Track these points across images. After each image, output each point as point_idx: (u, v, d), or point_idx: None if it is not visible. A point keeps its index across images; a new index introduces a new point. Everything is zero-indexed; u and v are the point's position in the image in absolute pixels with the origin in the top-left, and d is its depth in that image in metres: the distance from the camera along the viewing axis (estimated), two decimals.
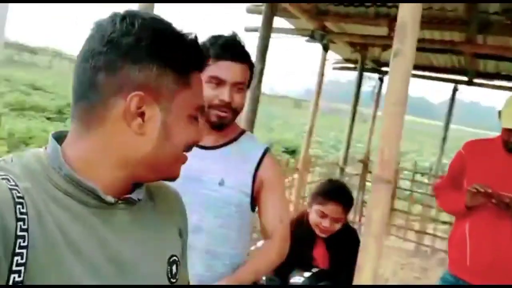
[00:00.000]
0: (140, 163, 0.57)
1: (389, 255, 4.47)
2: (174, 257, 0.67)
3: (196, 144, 0.62)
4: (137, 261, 0.59)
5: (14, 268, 0.46)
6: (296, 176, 3.28)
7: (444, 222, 4.73)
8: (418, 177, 5.01)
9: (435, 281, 3.77)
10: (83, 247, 0.53)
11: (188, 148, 0.61)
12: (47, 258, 0.49)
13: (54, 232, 0.50)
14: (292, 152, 9.14)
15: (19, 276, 0.46)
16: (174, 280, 0.66)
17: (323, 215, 1.69)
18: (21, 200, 0.48)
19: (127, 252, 0.58)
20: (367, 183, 5.08)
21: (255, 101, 2.46)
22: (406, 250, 4.66)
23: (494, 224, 1.61)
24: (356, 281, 1.08)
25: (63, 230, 0.51)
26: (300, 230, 1.74)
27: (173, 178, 0.62)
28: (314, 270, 1.69)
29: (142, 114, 0.55)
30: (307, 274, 1.66)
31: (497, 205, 1.56)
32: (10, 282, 0.46)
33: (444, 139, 4.91)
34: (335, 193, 1.75)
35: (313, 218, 1.72)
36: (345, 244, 1.72)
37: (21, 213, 0.48)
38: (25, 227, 0.47)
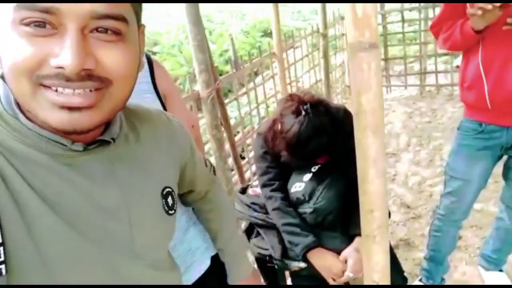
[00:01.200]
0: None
1: (394, 107, 4.29)
2: (168, 189, 0.64)
3: (58, 68, 0.44)
4: (124, 203, 0.56)
5: None
6: (274, 62, 2.89)
7: (445, 54, 4.41)
8: (406, 14, 4.53)
9: (445, 119, 3.72)
10: (58, 200, 0.49)
11: (40, 78, 0.44)
12: (22, 217, 0.45)
13: (22, 188, 0.47)
14: (271, 33, 8.46)
15: None
16: (172, 212, 0.64)
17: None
18: None
19: (110, 196, 0.54)
20: None
21: None
22: (410, 96, 4.46)
23: None
24: (363, 195, 0.83)
25: (32, 184, 0.47)
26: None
27: (60, 129, 0.47)
28: (314, 169, 1.44)
29: None
30: (306, 177, 1.42)
31: None
32: None
33: None
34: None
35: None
36: (338, 122, 1.44)
37: None
38: None
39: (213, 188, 0.94)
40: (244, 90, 2.61)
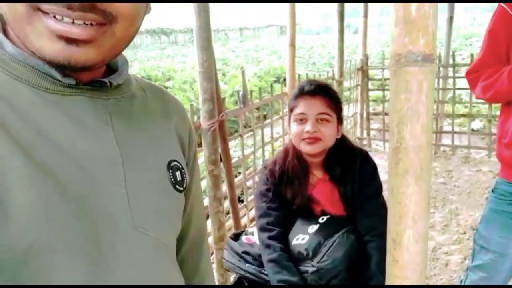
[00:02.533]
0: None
1: None
2: (175, 163, 0.57)
3: None
4: (124, 161, 0.48)
5: None
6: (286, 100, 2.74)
7: (462, 115, 4.26)
8: None
9: (462, 182, 3.51)
10: (34, 143, 0.42)
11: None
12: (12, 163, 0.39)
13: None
14: (284, 80, 8.52)
15: None
16: (181, 188, 0.57)
17: (302, 117, 1.19)
18: None
19: (106, 149, 0.47)
20: (370, 93, 4.59)
21: (206, 20, 1.86)
22: None
23: None
24: (392, 263, 0.60)
25: (7, 122, 0.41)
26: (285, 167, 1.26)
27: (54, 61, 0.42)
28: (322, 219, 1.22)
29: None
30: (312, 228, 1.19)
31: None
32: None
33: (451, 18, 4.25)
34: (310, 85, 1.24)
35: (294, 132, 1.22)
36: (352, 170, 1.24)
37: None
38: None
39: (206, 251, 0.72)
40: (250, 129, 2.44)
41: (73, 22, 0.41)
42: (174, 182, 0.56)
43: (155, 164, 0.54)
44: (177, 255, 0.69)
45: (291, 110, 1.26)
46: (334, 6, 3.31)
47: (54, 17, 0.41)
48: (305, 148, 1.20)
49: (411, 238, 0.58)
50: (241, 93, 2.19)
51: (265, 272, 1.21)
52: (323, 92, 1.23)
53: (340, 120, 1.26)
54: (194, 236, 0.67)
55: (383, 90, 4.47)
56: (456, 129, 4.27)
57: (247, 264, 1.25)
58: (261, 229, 1.22)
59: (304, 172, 1.25)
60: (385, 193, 1.31)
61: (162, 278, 0.52)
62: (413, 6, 0.50)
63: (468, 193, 3.23)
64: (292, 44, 2.56)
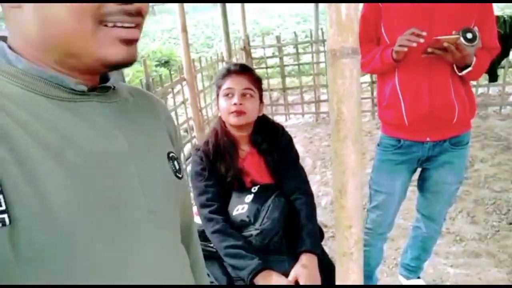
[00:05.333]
0: (49, 49, 0.48)
1: (294, 133, 4.51)
2: (172, 153, 0.64)
3: None
4: (131, 154, 0.54)
5: None
6: (185, 85, 2.80)
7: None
8: (300, 48, 4.90)
9: None
10: (60, 145, 0.46)
11: (103, 16, 0.47)
12: (21, 164, 0.43)
13: (18, 133, 0.44)
14: (166, 62, 8.32)
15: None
16: (180, 176, 0.64)
17: (229, 92, 1.35)
18: None
19: (116, 146, 0.53)
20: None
21: None
22: (307, 123, 4.76)
23: (427, 69, 1.42)
24: (340, 210, 0.78)
25: (30, 129, 0.45)
26: (218, 144, 1.38)
27: (119, 62, 0.50)
28: (254, 189, 1.38)
29: None
30: (248, 198, 1.34)
31: (432, 53, 1.36)
32: None
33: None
34: (235, 66, 1.42)
35: (222, 107, 1.37)
36: (276, 142, 1.43)
37: None
38: None
39: (194, 228, 0.80)
40: None
41: (127, 27, 0.49)
42: (174, 170, 0.63)
43: (158, 156, 0.61)
44: None
45: (219, 87, 1.38)
46: None
47: (114, 26, 0.48)
48: (232, 120, 1.33)
49: (352, 187, 0.77)
50: (144, 82, 2.18)
51: (211, 245, 1.32)
52: (247, 71, 1.39)
53: (261, 99, 1.42)
54: (185, 222, 0.75)
55: (266, 68, 4.79)
56: None
57: None
58: (202, 206, 1.32)
59: (234, 147, 1.38)
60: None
61: (175, 252, 0.61)
62: (343, 11, 0.66)
63: None
64: (184, 30, 2.60)
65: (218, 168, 1.36)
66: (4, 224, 0.41)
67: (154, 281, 0.54)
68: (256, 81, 1.40)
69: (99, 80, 0.57)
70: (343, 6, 0.66)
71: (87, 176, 0.48)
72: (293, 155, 1.46)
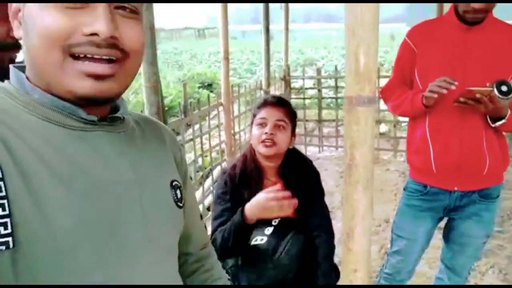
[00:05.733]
0: (36, 72, 0.51)
1: (326, 165, 4.47)
2: (176, 182, 0.65)
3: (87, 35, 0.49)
4: (136, 183, 0.56)
5: None
6: (221, 110, 2.89)
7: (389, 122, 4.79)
8: (340, 82, 4.92)
9: (374, 180, 3.97)
10: (71, 174, 0.48)
11: (70, 47, 0.48)
12: (30, 191, 0.44)
13: (30, 159, 0.46)
14: (209, 85, 8.60)
15: (4, 210, 0.42)
16: (181, 204, 0.65)
17: (263, 122, 1.39)
18: None
19: (123, 175, 0.55)
20: (292, 101, 4.93)
21: (152, 37, 1.94)
22: (340, 156, 4.70)
23: (459, 118, 1.41)
24: (347, 253, 0.79)
25: (43, 158, 0.47)
26: (245, 170, 1.42)
27: (86, 96, 0.50)
28: (274, 222, 1.39)
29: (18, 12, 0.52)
30: (268, 230, 1.36)
31: (464, 103, 1.35)
32: None
33: None
34: (272, 98, 1.48)
35: (254, 135, 1.40)
36: (303, 177, 1.44)
37: None
38: None
39: (212, 250, 0.83)
40: (190, 137, 2.54)
41: (97, 61, 0.49)
42: (176, 199, 0.64)
43: (161, 185, 0.62)
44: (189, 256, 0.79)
45: (254, 116, 1.44)
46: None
47: (84, 57, 0.48)
48: (262, 149, 1.37)
49: (360, 231, 0.78)
50: (182, 103, 2.29)
51: (227, 266, 1.34)
52: (283, 104, 1.44)
53: (293, 132, 1.46)
54: (199, 239, 0.78)
55: (304, 98, 4.84)
56: None
57: None
58: (214, 230, 1.36)
59: (260, 175, 1.42)
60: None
61: (171, 280, 0.63)
62: (362, 62, 0.69)
63: (380, 191, 3.68)
64: (226, 58, 2.72)
65: (242, 194, 1.38)
66: (8, 247, 0.42)
67: None
68: (291, 114, 1.44)
69: (110, 110, 0.59)
70: (362, 56, 0.69)
71: (91, 204, 0.49)
72: (319, 191, 1.47)
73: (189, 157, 2.63)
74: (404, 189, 1.64)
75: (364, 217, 0.77)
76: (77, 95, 0.50)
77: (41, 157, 0.47)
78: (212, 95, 4.87)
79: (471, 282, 2.19)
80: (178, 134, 4.25)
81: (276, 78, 4.41)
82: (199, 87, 8.23)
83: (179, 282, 0.66)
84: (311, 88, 5.16)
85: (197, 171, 2.76)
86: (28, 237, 0.43)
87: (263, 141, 1.36)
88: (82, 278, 0.48)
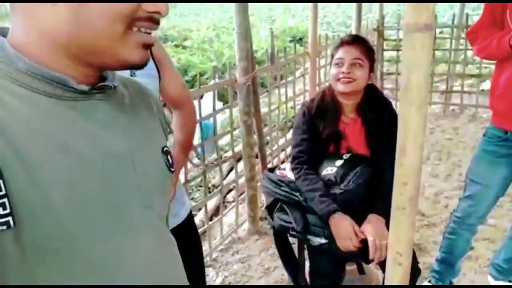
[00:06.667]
0: (72, 45, 0.49)
1: None
2: (166, 148, 0.66)
3: (153, 13, 0.51)
4: (130, 151, 0.56)
5: None
6: (308, 62, 2.99)
7: (472, 75, 4.45)
8: (439, 33, 4.59)
9: (467, 138, 3.76)
10: (63, 144, 0.47)
11: (133, 20, 0.49)
12: (24, 165, 0.44)
13: (23, 134, 0.45)
14: (300, 39, 8.57)
15: (0, 190, 0.42)
16: (172, 170, 0.66)
17: (340, 61, 1.47)
18: None
19: (116, 143, 0.54)
20: (385, 54, 4.76)
21: None
22: (433, 113, 4.49)
23: None
24: (399, 167, 0.90)
25: (34, 129, 0.46)
26: (322, 104, 1.54)
27: (136, 64, 0.53)
28: (345, 156, 1.52)
29: None
30: (338, 162, 1.49)
31: None
32: None
33: None
34: (348, 37, 1.54)
35: (332, 73, 1.50)
36: (381, 116, 1.51)
37: None
38: None
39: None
40: (276, 85, 2.71)
41: (149, 33, 0.53)
42: (168, 165, 0.64)
43: (153, 151, 0.62)
44: None
45: (332, 57, 1.52)
46: None
47: (138, 30, 0.51)
48: (340, 87, 1.46)
49: (412, 148, 0.89)
50: (269, 51, 2.45)
51: (296, 194, 1.51)
52: (359, 41, 1.49)
53: (372, 68, 1.51)
54: None
55: (397, 50, 4.62)
56: (467, 89, 4.47)
57: (280, 189, 1.57)
58: (293, 158, 1.51)
59: (336, 109, 1.52)
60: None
61: (167, 244, 0.65)
62: None
63: (472, 148, 3.49)
64: (315, 6, 2.76)
65: (317, 125, 1.51)
66: (9, 227, 0.43)
67: (148, 272, 0.57)
68: (368, 52, 1.49)
69: (98, 79, 0.57)
70: None
71: (86, 174, 0.49)
72: (394, 132, 1.53)
73: (275, 104, 2.80)
74: (484, 135, 1.62)
75: (416, 136, 0.88)
76: (129, 64, 0.52)
77: (32, 130, 0.46)
78: (300, 48, 4.92)
79: None
80: (263, 85, 4.37)
81: (369, 29, 4.28)
82: (290, 41, 8.25)
83: (173, 243, 0.67)
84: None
85: (281, 121, 2.93)
86: (27, 214, 0.44)
87: (339, 79, 1.46)
88: (83, 247, 0.49)
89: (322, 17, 14.14)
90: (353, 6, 3.74)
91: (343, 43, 1.49)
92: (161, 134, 0.68)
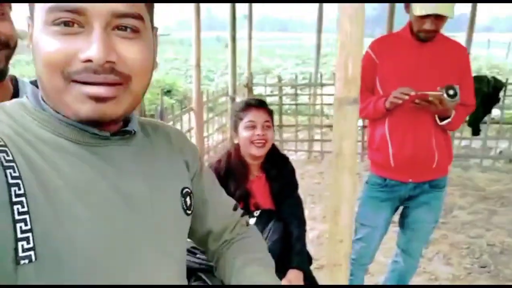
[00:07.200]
0: (43, 93, 0.53)
1: None
2: (187, 189, 0.66)
3: (84, 62, 0.49)
4: (149, 195, 0.58)
5: (17, 217, 0.44)
6: (192, 116, 3.01)
7: (328, 126, 5.11)
8: (298, 89, 5.19)
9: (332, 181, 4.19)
10: (88, 188, 0.50)
11: (69, 73, 0.49)
12: (51, 205, 0.46)
13: (51, 175, 0.48)
14: (168, 92, 8.58)
15: (26, 225, 0.44)
16: (190, 212, 0.67)
17: (252, 124, 1.54)
18: (4, 148, 0.46)
19: (136, 186, 0.56)
20: None
21: None
22: (299, 160, 4.96)
23: (413, 119, 1.65)
24: (334, 227, 0.96)
25: (61, 172, 0.49)
26: (229, 165, 1.57)
27: (91, 118, 0.51)
28: (256, 213, 1.55)
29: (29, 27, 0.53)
30: (252, 220, 1.51)
31: (419, 104, 1.59)
32: (18, 232, 0.43)
33: (318, 46, 5.05)
34: (254, 101, 1.64)
35: (244, 136, 1.54)
36: (282, 171, 1.62)
37: (7, 161, 0.45)
38: (16, 174, 0.45)
39: (242, 228, 0.85)
40: None
41: (98, 84, 0.49)
42: (185, 208, 0.65)
43: (172, 193, 0.64)
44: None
45: (240, 119, 1.56)
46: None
47: (84, 83, 0.49)
48: (254, 150, 1.52)
49: (346, 208, 0.96)
50: (159, 109, 2.39)
51: (203, 257, 1.45)
52: (264, 105, 1.60)
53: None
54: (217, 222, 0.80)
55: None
56: (325, 137, 5.10)
57: (197, 256, 1.49)
58: None
59: (245, 169, 1.57)
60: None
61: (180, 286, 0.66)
62: (350, 70, 0.87)
63: None
64: (198, 65, 2.84)
65: (228, 186, 1.52)
66: (30, 261, 0.44)
67: None
68: (271, 114, 1.61)
69: (122, 123, 0.60)
70: (350, 65, 0.87)
71: (108, 218, 0.51)
72: (294, 184, 1.65)
73: None
74: (366, 182, 1.87)
75: (349, 198, 0.95)
76: (81, 118, 0.50)
77: (59, 172, 0.48)
78: (171, 101, 4.92)
79: (421, 267, 2.48)
80: None
81: (239, 85, 4.58)
82: (158, 94, 8.18)
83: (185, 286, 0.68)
84: (271, 95, 5.39)
85: None
86: (50, 250, 0.45)
87: (254, 142, 1.52)
88: (98, 282, 0.50)
89: (185, 70, 14.51)
90: (222, 62, 3.98)
91: (251, 106, 1.57)
92: (183, 174, 0.68)
